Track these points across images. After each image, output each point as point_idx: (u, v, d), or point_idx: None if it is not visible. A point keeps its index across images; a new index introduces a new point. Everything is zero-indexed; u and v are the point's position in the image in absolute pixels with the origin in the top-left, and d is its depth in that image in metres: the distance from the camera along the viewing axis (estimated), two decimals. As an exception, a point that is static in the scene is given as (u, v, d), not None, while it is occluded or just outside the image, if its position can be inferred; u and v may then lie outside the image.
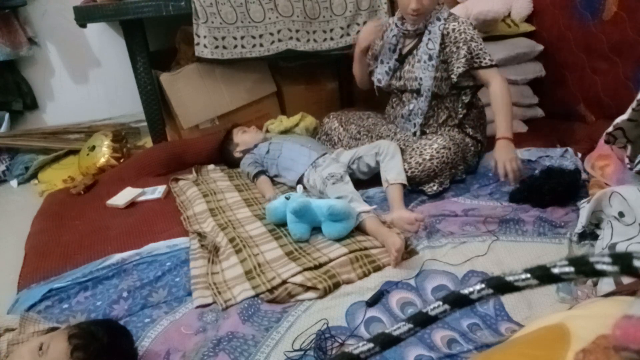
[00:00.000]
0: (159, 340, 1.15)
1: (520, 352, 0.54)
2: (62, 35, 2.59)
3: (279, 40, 2.18)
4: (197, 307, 1.25)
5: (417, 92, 1.79)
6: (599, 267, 0.38)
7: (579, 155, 1.82)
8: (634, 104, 1.22)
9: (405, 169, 1.69)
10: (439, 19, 1.74)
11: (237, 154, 2.09)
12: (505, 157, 1.61)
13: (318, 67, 2.54)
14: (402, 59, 1.85)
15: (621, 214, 1.22)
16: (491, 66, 1.72)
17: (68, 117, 2.68)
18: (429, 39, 1.73)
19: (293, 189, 1.80)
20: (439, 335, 1.09)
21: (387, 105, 2.05)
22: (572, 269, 0.39)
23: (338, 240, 1.46)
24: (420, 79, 1.76)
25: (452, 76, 1.75)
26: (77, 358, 0.92)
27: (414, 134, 1.85)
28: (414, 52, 1.80)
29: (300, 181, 1.83)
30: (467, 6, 2.24)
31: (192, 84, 2.23)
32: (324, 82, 2.57)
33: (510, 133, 1.66)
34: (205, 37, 2.07)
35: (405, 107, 1.86)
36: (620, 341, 0.41)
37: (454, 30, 1.71)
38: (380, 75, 1.91)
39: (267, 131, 2.26)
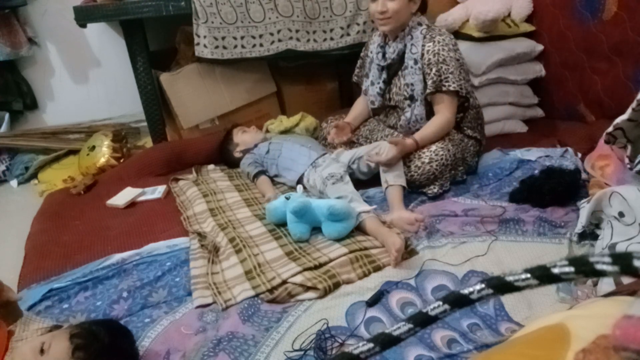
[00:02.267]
0: (159, 340, 1.15)
1: (520, 352, 0.54)
2: (62, 35, 2.59)
3: (279, 40, 2.18)
4: (197, 307, 1.25)
5: (411, 98, 1.79)
6: (599, 267, 0.38)
7: (579, 155, 1.82)
8: (634, 104, 1.23)
9: (405, 173, 1.68)
10: (420, 24, 1.74)
11: (237, 154, 2.09)
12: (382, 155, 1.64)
13: (318, 67, 2.54)
14: (389, 80, 1.85)
15: (621, 214, 1.22)
16: (450, 92, 1.71)
17: (68, 117, 2.68)
18: (412, 44, 1.73)
19: (293, 189, 1.80)
20: (439, 335, 1.09)
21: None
22: (572, 269, 0.39)
23: (338, 240, 1.46)
24: (412, 84, 1.76)
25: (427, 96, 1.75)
26: (78, 358, 0.92)
27: None
28: (399, 73, 1.80)
29: (300, 181, 1.83)
30: (467, 6, 2.24)
31: (192, 84, 2.23)
32: (324, 82, 2.58)
33: (418, 140, 1.69)
34: (205, 37, 2.07)
35: (403, 117, 1.84)
36: (620, 341, 0.41)
37: (428, 52, 1.71)
38: (373, 97, 1.91)
39: (267, 131, 2.26)
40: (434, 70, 1.70)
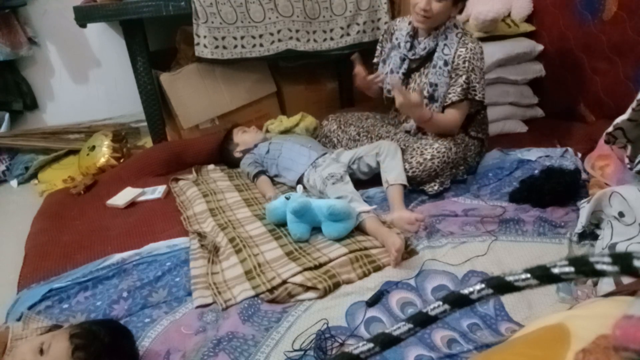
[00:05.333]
0: (159, 340, 1.15)
1: (520, 352, 0.54)
2: (62, 35, 2.59)
3: (279, 40, 2.18)
4: (197, 307, 1.25)
5: (431, 98, 1.76)
6: (599, 267, 0.38)
7: (579, 155, 1.82)
8: (634, 104, 1.23)
9: (406, 169, 1.69)
10: (456, 26, 1.73)
11: (237, 154, 2.09)
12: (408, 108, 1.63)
13: (318, 67, 2.54)
14: (409, 73, 1.83)
15: (621, 214, 1.23)
16: (475, 101, 1.73)
17: (68, 117, 2.68)
18: (445, 45, 1.71)
19: (293, 189, 1.80)
20: (439, 335, 1.09)
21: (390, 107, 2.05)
22: (572, 269, 0.39)
23: (338, 240, 1.46)
24: (436, 85, 1.74)
25: (447, 101, 1.74)
26: (78, 358, 0.92)
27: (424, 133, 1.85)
28: (421, 69, 1.78)
29: (300, 181, 1.83)
30: (467, 6, 2.24)
31: (192, 84, 2.23)
32: (324, 82, 2.57)
33: (431, 117, 1.66)
34: (205, 37, 2.07)
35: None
36: (620, 341, 0.41)
37: (459, 57, 1.69)
38: (390, 86, 1.90)
39: (267, 131, 2.26)
40: (463, 78, 1.69)
